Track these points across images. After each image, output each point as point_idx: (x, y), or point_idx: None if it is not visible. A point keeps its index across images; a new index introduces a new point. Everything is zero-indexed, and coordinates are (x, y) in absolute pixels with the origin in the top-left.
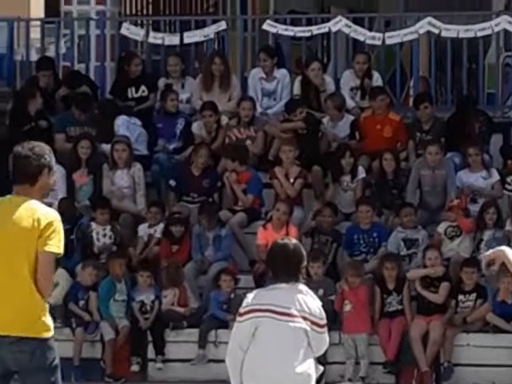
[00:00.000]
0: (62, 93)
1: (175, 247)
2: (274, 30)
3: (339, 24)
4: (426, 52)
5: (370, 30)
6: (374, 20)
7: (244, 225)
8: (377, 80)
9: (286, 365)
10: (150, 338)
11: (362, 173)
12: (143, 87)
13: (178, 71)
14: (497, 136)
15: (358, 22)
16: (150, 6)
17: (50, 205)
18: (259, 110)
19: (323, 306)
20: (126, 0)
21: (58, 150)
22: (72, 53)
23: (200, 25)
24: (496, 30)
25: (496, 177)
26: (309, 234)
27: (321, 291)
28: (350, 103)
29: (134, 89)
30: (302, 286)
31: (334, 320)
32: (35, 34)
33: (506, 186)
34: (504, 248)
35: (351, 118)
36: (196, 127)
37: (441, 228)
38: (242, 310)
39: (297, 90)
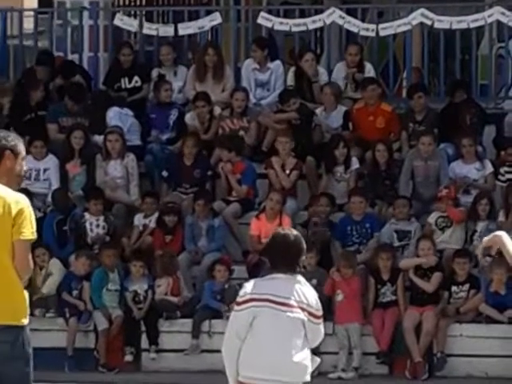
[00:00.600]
0: (57, 83)
1: (168, 237)
2: (269, 24)
3: (333, 15)
4: (419, 43)
5: (363, 21)
6: (367, 11)
7: (238, 215)
8: (369, 71)
9: (284, 354)
10: (143, 328)
11: (355, 163)
12: (136, 78)
13: (170, 60)
14: (490, 127)
15: (351, 13)
16: None
17: (44, 195)
18: (252, 100)
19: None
20: None
21: (51, 140)
22: (65, 43)
23: (193, 16)
24: (489, 21)
25: (489, 168)
26: (304, 225)
27: (314, 281)
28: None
29: (127, 79)
30: (300, 277)
31: (327, 310)
32: (28, 24)
33: (499, 178)
34: (501, 233)
35: (344, 108)
36: (189, 118)
37: (431, 218)
38: (239, 299)
39: (290, 80)
